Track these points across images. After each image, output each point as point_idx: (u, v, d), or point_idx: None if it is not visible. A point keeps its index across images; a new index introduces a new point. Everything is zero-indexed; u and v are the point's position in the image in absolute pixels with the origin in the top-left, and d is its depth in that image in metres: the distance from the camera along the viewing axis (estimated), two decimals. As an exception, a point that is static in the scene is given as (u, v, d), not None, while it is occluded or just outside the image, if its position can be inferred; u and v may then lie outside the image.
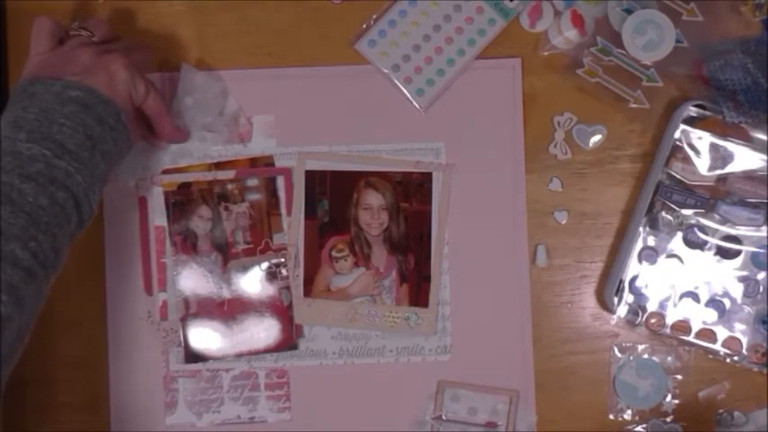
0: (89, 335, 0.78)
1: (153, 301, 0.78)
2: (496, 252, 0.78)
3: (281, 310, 0.78)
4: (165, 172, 0.78)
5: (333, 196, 0.78)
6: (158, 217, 0.78)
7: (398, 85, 0.78)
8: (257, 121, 0.79)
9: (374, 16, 0.79)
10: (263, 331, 0.78)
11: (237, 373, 0.78)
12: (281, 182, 0.78)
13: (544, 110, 0.79)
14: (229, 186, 0.78)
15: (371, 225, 0.78)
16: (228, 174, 0.78)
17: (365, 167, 0.79)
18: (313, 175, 0.78)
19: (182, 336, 0.77)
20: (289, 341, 0.78)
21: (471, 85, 0.79)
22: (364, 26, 0.79)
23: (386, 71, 0.78)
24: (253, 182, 0.78)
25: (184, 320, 0.77)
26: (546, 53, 0.79)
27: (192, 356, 0.77)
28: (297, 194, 0.78)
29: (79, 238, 0.63)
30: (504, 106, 0.79)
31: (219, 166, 0.78)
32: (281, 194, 0.78)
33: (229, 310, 0.78)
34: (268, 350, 0.78)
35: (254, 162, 0.78)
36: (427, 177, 0.79)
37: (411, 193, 0.79)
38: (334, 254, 0.78)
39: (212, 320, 0.78)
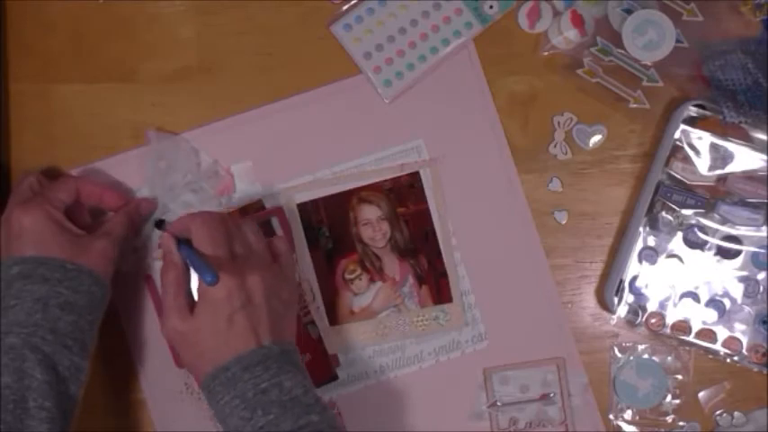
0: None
1: (186, 372, 0.75)
2: (502, 230, 0.78)
3: (312, 344, 0.76)
4: None
5: (330, 221, 0.78)
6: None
7: (366, 72, 0.78)
8: (236, 169, 0.77)
9: (354, 1, 0.78)
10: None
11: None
12: (276, 222, 0.77)
13: (544, 110, 0.79)
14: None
15: (375, 238, 0.78)
16: (223, 228, 0.76)
17: (353, 184, 0.78)
18: (306, 206, 0.78)
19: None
20: (329, 373, 0.76)
21: (436, 78, 0.79)
22: (344, 9, 0.78)
23: (356, 58, 0.78)
24: (249, 230, 0.76)
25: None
26: (546, 53, 0.79)
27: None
28: (295, 229, 0.77)
29: (101, 329, 0.65)
30: (470, 88, 0.78)
31: (212, 223, 0.76)
32: (280, 233, 0.76)
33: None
34: None
35: (245, 210, 0.76)
36: (416, 177, 0.78)
37: (404, 196, 0.78)
38: (347, 276, 0.78)
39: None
